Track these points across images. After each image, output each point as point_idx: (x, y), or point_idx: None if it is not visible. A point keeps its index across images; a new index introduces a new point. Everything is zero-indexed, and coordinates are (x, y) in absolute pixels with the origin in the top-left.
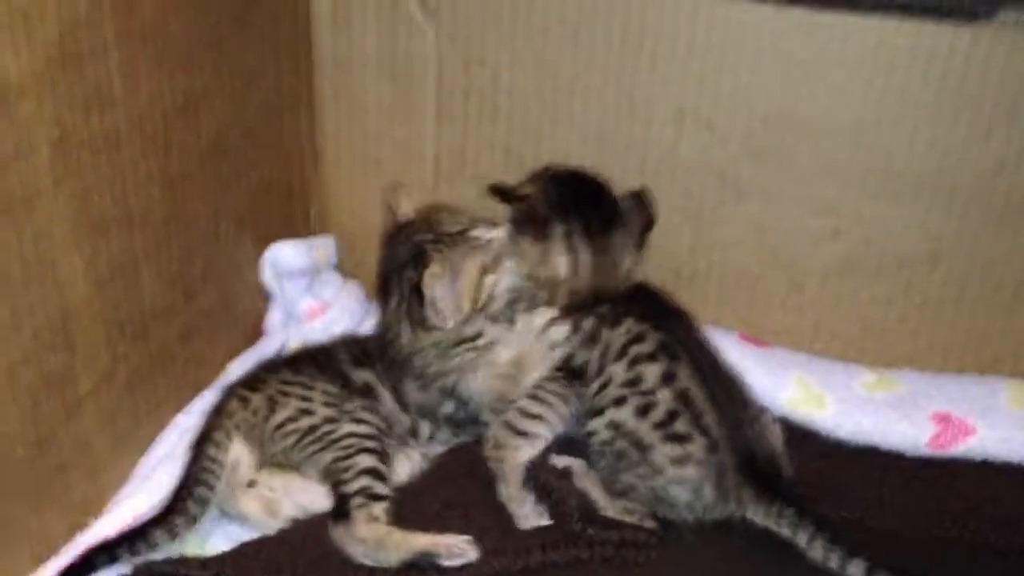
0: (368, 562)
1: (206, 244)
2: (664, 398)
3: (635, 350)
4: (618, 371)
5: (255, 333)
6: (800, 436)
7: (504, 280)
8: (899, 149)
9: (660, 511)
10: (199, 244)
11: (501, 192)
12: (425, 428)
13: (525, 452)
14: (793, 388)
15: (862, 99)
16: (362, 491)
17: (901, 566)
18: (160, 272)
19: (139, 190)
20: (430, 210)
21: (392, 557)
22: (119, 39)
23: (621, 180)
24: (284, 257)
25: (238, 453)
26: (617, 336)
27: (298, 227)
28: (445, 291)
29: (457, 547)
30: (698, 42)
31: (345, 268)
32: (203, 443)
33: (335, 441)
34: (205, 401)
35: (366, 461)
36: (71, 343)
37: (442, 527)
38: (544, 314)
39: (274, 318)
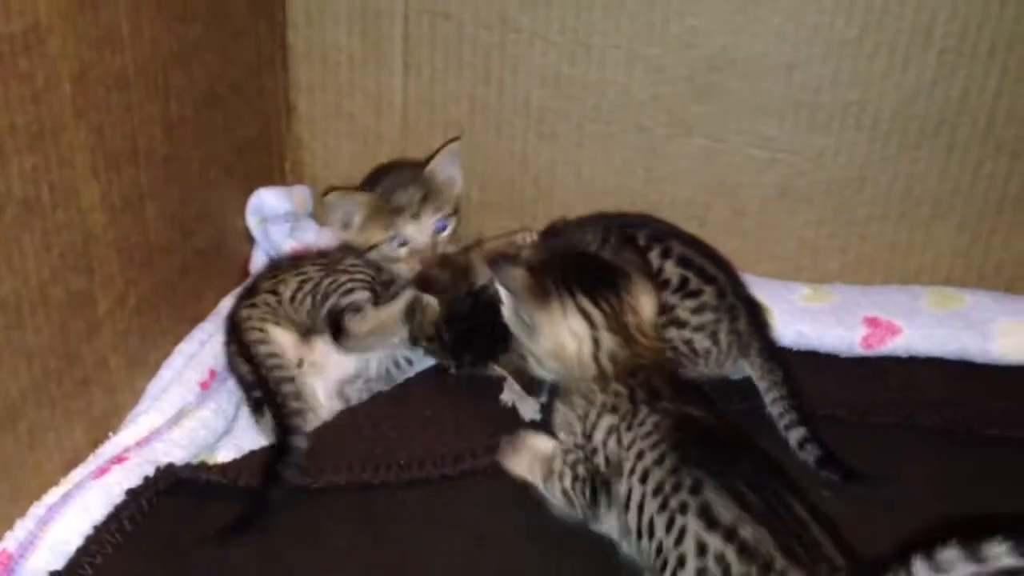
0: (394, 351)
1: (199, 188)
2: (670, 267)
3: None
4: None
5: (242, 274)
6: None
7: None
8: (826, 84)
9: (685, 369)
10: (193, 187)
11: None
12: None
13: None
14: None
15: (794, 39)
16: (350, 306)
17: (844, 445)
18: (162, 209)
19: (144, 129)
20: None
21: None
22: None
23: (579, 121)
24: (268, 202)
25: (279, 337)
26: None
27: (275, 178)
28: None
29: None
30: None
31: (318, 217)
32: (248, 354)
33: (338, 286)
34: (204, 331)
35: (360, 294)
36: (91, 267)
37: (437, 430)
38: None
39: (258, 260)
